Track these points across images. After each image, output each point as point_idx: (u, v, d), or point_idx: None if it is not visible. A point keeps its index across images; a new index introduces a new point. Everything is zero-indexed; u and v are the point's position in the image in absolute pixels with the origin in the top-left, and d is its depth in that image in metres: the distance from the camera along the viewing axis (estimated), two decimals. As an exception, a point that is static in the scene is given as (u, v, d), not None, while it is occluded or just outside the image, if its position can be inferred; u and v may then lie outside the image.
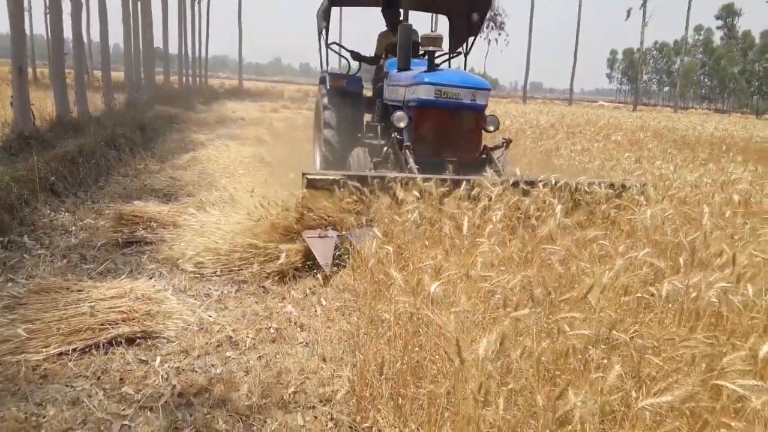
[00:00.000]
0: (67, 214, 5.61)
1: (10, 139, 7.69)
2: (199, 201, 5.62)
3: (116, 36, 15.80)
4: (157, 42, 21.71)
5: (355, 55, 7.81)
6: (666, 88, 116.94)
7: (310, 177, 4.63)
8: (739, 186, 5.01)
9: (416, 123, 5.79)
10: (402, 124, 5.71)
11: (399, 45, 6.23)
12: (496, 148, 6.08)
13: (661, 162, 7.70)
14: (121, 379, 2.81)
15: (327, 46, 7.88)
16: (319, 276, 3.96)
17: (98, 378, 2.82)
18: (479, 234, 3.31)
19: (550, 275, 2.89)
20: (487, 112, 6.05)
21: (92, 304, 3.30)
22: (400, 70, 6.40)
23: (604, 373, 1.94)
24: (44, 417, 2.47)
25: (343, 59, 8.06)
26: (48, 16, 9.64)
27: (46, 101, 10.44)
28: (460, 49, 7.99)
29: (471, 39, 7.80)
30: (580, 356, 2.05)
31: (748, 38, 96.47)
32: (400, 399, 2.33)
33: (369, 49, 8.00)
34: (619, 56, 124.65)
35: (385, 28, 7.87)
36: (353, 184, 4.55)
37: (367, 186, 4.52)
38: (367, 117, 7.72)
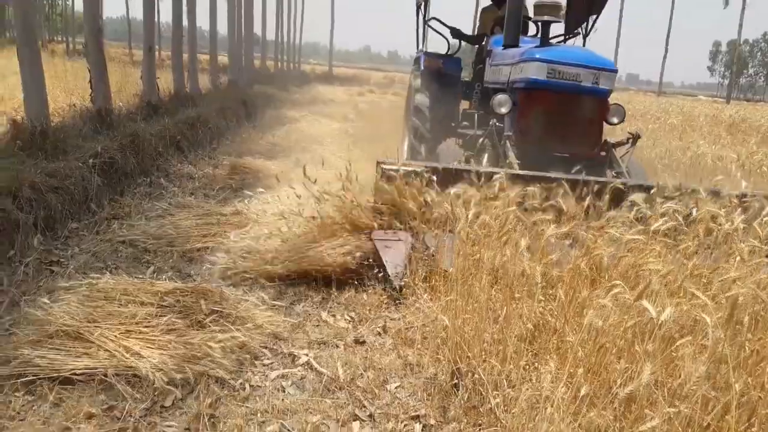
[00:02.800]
0: (189, 165, 6.95)
1: (141, 107, 9.22)
2: (296, 159, 6.77)
3: (221, 23, 17.46)
4: (256, 29, 23.44)
5: (456, 33, 6.87)
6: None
7: (386, 167, 3.93)
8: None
9: (522, 109, 4.97)
10: (503, 110, 4.88)
11: (507, 16, 5.43)
12: (620, 144, 5.13)
13: (704, 141, 8.22)
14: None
15: (425, 22, 7.03)
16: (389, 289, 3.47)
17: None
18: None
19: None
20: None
21: (218, 217, 4.51)
22: (506, 47, 5.56)
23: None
24: (193, 280, 3.64)
25: (438, 40, 7.16)
26: (173, 5, 11.13)
27: (165, 78, 12.07)
28: (577, 30, 6.64)
29: (592, 18, 6.42)
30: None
31: None
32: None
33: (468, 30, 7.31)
34: (723, 48, 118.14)
35: (489, 2, 7.16)
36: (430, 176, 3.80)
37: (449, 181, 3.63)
38: (464, 105, 6.96)
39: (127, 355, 2.49)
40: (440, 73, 6.55)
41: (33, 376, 2.37)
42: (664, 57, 55.25)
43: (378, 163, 3.97)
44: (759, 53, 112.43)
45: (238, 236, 4.13)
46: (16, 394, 2.31)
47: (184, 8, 11.64)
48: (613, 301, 2.06)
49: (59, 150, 5.26)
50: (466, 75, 6.97)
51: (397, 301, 3.40)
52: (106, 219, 4.59)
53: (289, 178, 6.01)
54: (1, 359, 2.42)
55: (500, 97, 4.90)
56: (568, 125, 4.94)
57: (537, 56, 4.80)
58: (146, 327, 2.65)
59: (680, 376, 1.73)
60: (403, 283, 3.44)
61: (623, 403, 1.79)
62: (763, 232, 2.83)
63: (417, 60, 6.97)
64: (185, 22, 12.57)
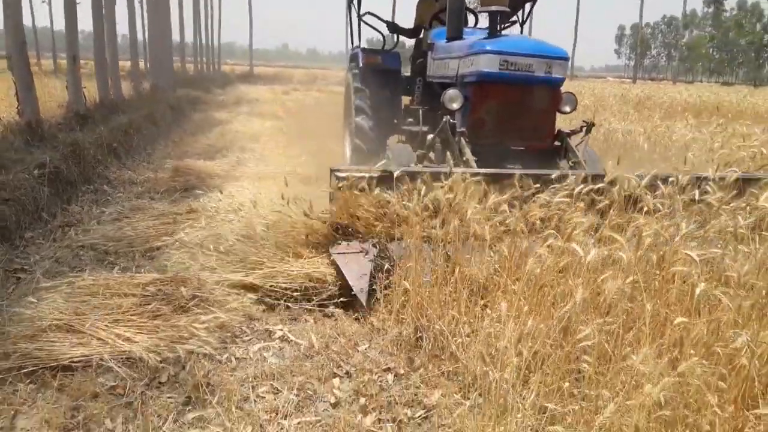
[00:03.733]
0: (129, 171, 6.99)
1: (69, 117, 9.08)
2: (236, 158, 6.96)
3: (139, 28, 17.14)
4: (174, 31, 23.01)
5: (392, 26, 6.81)
6: (675, 63, 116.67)
7: (341, 174, 3.60)
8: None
9: (474, 103, 4.86)
10: (455, 105, 4.78)
11: (449, 8, 5.31)
12: (573, 132, 5.09)
13: (614, 118, 9.01)
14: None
15: (359, 17, 6.81)
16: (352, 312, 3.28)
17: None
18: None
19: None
20: None
21: (173, 216, 4.69)
22: (449, 39, 5.46)
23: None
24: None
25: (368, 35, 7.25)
26: (92, 12, 10.93)
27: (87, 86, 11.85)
28: (514, 18, 6.45)
29: (528, 5, 6.28)
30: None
31: (757, 10, 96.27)
32: None
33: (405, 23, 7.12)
34: (627, 32, 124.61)
35: None
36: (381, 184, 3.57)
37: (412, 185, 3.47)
38: (405, 100, 6.81)
39: (120, 341, 2.71)
40: (379, 70, 6.40)
41: (34, 366, 2.56)
42: (574, 44, 57.91)
43: (331, 171, 3.64)
44: (660, 35, 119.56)
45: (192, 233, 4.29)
46: (20, 384, 2.49)
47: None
48: (548, 249, 2.50)
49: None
50: (404, 70, 6.79)
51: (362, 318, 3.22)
52: (59, 227, 4.67)
53: (235, 176, 6.24)
54: (1, 354, 2.59)
55: (451, 92, 4.78)
56: (522, 117, 4.86)
57: (488, 48, 4.66)
58: (133, 315, 2.86)
59: (604, 294, 2.15)
60: (368, 299, 3.23)
61: (562, 325, 2.19)
62: (666, 190, 3.33)
63: (354, 57, 6.76)
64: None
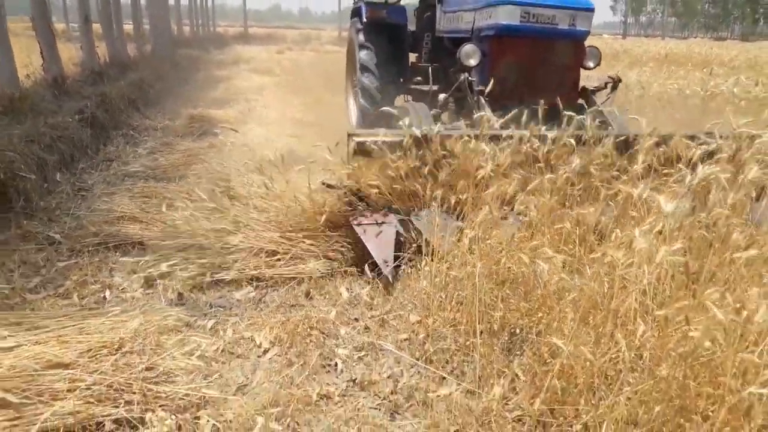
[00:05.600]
0: (148, 120, 7.90)
1: (84, 74, 9.92)
2: (243, 107, 7.86)
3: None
4: (170, -7, 23.48)
5: None
6: (672, 19, 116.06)
7: (359, 139, 3.35)
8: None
9: (493, 59, 4.61)
10: (473, 62, 4.53)
11: None
12: (598, 89, 4.88)
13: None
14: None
15: None
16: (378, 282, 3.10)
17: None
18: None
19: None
20: None
21: (198, 149, 5.65)
22: None
23: None
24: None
25: None
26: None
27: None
28: None
29: None
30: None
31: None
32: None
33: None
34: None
35: None
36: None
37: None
38: (411, 58, 6.51)
39: (171, 227, 3.67)
40: (384, 24, 6.08)
41: (116, 242, 3.55)
42: None
43: (349, 135, 3.38)
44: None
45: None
46: (110, 253, 3.48)
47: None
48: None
49: (35, 112, 6.17)
50: (409, 25, 6.38)
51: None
52: (103, 161, 5.63)
53: (244, 121, 7.18)
54: (92, 233, 3.59)
55: (467, 47, 4.53)
56: (544, 73, 4.60)
57: None
58: (184, 210, 3.82)
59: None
60: (394, 274, 3.12)
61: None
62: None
63: (356, 11, 6.41)
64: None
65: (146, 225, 3.71)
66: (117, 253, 3.48)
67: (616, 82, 4.91)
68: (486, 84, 4.19)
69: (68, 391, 2.04)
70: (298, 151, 4.78)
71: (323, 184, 3.38)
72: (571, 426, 1.95)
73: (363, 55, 5.95)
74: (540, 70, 4.62)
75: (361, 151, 3.33)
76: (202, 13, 33.09)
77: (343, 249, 3.39)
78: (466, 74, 4.50)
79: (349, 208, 3.41)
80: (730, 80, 7.03)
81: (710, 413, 1.70)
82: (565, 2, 4.48)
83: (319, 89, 9.93)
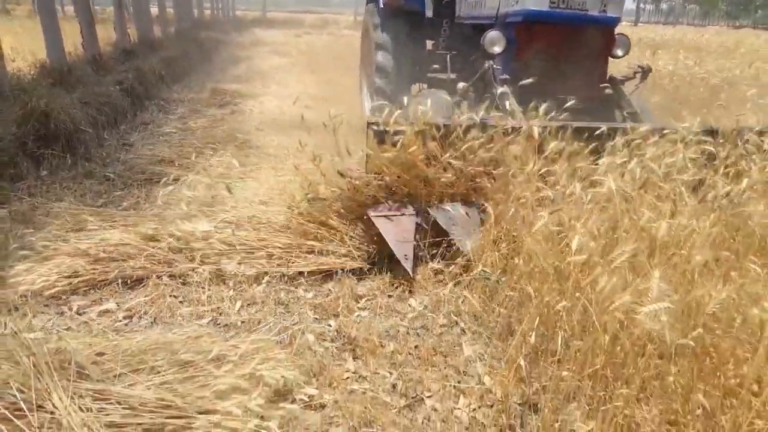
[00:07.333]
0: (176, 93, 8.88)
1: (117, 52, 10.95)
2: (261, 83, 8.81)
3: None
4: (192, -23, 24.45)
5: None
6: (690, 6, 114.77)
7: (377, 128, 3.23)
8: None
9: (519, 46, 4.41)
10: (497, 49, 4.34)
11: None
12: (627, 79, 4.71)
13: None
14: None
15: None
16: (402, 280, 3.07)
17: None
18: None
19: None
20: None
21: (222, 115, 6.62)
22: None
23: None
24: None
25: None
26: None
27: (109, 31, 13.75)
28: None
29: None
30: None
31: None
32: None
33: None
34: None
35: None
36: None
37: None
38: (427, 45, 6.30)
39: (203, 168, 4.64)
40: (401, 10, 5.93)
41: (157, 178, 4.52)
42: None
43: (368, 123, 3.25)
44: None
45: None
46: (154, 187, 4.45)
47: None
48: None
49: (81, 83, 7.16)
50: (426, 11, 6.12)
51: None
52: (140, 124, 6.61)
53: (262, 93, 8.13)
54: (139, 170, 4.57)
55: (492, 34, 4.33)
56: (572, 62, 4.40)
57: None
58: (217, 157, 4.78)
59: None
60: (413, 267, 3.07)
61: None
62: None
63: None
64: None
65: (182, 167, 4.68)
66: (158, 185, 4.45)
67: (646, 72, 4.71)
68: (512, 72, 4.22)
69: (136, 256, 3.03)
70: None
71: (338, 173, 3.29)
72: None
73: (379, 41, 5.83)
74: (568, 58, 4.40)
75: (380, 140, 3.23)
76: (222, -3, 33.99)
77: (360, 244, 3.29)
78: (491, 62, 4.36)
79: (367, 199, 3.29)
80: (679, 60, 7.99)
81: None
82: None
83: (333, 70, 10.73)
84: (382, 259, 3.22)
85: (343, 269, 3.12)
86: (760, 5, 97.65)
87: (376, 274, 3.17)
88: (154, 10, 18.05)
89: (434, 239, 3.15)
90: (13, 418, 1.73)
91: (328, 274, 3.13)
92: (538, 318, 2.08)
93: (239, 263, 3.08)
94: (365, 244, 3.27)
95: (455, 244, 3.03)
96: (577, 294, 1.97)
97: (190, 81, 10.16)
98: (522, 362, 2.00)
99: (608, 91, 4.56)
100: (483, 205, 3.18)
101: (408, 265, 3.02)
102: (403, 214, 3.21)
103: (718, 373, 1.65)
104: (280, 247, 3.20)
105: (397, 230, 3.12)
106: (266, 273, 3.05)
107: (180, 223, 3.31)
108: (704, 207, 2.47)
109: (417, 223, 3.20)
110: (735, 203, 2.47)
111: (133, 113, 6.96)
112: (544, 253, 2.23)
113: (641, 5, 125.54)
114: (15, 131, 4.63)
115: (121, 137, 5.97)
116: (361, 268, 3.18)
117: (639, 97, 4.62)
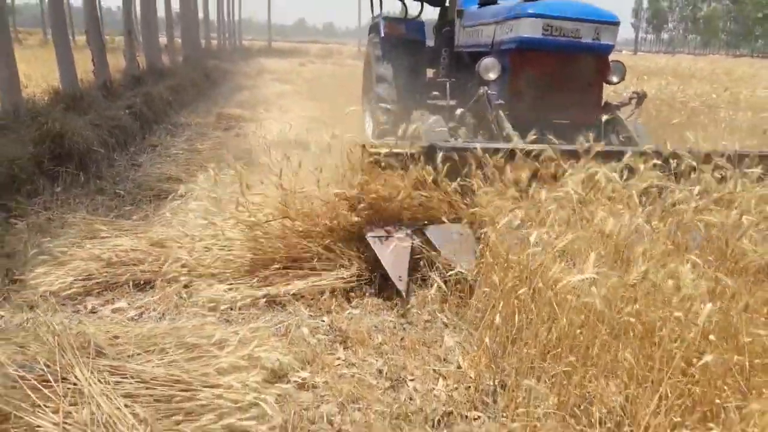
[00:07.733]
0: (183, 118, 9.23)
1: (126, 79, 11.37)
2: (264, 108, 9.16)
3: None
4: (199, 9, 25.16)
5: None
6: (691, 36, 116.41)
7: (374, 150, 3.34)
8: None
9: (513, 72, 4.56)
10: (492, 75, 4.47)
11: None
12: (622, 105, 4.85)
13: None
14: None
15: None
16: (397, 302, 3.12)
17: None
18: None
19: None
20: None
21: (226, 139, 6.94)
22: (482, 4, 5.30)
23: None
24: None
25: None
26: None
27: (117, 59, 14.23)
28: None
29: None
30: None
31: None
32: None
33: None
34: (645, 5, 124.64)
35: None
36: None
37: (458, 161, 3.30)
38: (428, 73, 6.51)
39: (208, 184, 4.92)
40: (403, 40, 6.12)
41: (165, 194, 4.80)
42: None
43: (363, 147, 3.32)
44: (677, 8, 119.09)
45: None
46: (160, 202, 4.73)
47: None
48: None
49: (90, 108, 7.51)
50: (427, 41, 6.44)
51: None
52: (148, 146, 6.93)
53: (265, 118, 8.47)
54: (148, 187, 4.86)
55: (487, 61, 4.46)
56: (567, 88, 4.54)
57: (530, 11, 4.36)
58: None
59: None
60: (408, 289, 3.11)
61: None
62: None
63: (375, 26, 6.50)
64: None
65: (187, 183, 4.96)
66: (166, 200, 4.73)
67: (641, 97, 4.85)
68: (506, 98, 4.35)
69: (146, 260, 3.30)
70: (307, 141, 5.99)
71: (335, 195, 3.31)
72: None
73: (380, 69, 5.96)
74: (562, 84, 4.55)
75: (375, 162, 3.30)
76: (229, 27, 34.86)
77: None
78: (485, 88, 4.48)
79: (361, 219, 3.32)
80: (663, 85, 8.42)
81: None
82: (589, 15, 4.43)
83: (335, 97, 11.02)
84: (374, 279, 3.29)
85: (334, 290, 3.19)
86: (759, 35, 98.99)
87: (369, 296, 3.22)
88: (162, 39, 18.70)
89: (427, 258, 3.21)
90: (41, 387, 1.98)
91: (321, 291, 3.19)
92: (502, 302, 2.35)
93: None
94: (359, 262, 3.32)
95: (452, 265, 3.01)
96: (534, 279, 2.22)
97: (197, 107, 10.53)
98: (488, 341, 2.27)
99: (604, 116, 4.49)
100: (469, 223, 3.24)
101: (401, 286, 3.06)
102: (397, 236, 3.25)
103: (652, 343, 1.89)
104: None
105: (392, 252, 3.15)
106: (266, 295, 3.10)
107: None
108: (657, 209, 2.70)
109: (412, 246, 3.23)
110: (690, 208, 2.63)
111: (142, 136, 7.29)
112: (506, 247, 2.50)
113: (643, 35, 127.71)
114: (32, 151, 4.94)
115: (130, 158, 6.27)
116: (353, 287, 3.24)
117: (635, 122, 4.75)
